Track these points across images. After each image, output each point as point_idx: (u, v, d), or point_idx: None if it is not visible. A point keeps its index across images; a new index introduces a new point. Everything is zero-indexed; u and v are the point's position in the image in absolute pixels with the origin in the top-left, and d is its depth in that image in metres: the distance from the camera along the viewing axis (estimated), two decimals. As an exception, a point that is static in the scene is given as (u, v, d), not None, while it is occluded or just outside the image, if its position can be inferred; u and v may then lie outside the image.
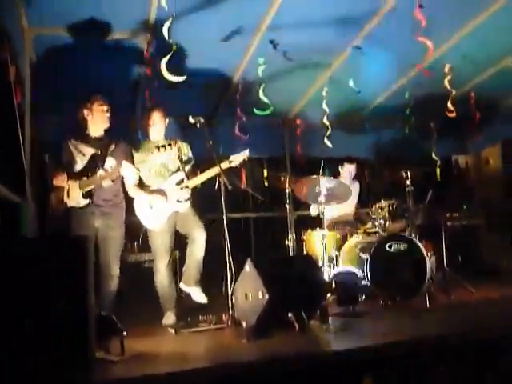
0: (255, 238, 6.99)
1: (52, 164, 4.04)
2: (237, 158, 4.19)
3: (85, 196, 3.85)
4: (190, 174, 4.24)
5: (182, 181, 4.19)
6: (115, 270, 3.93)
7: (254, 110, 4.94)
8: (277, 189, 4.96)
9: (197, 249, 4.15)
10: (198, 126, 3.98)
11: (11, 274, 2.40)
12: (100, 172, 3.89)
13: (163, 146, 3.97)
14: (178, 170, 4.25)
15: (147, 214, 4.17)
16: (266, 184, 5.05)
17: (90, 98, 3.97)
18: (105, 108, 3.98)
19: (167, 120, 4.34)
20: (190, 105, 4.69)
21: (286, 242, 4.52)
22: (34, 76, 4.08)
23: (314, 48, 4.63)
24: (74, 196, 3.85)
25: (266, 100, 4.82)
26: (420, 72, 5.06)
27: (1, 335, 2.34)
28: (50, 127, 4.90)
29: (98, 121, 3.98)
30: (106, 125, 4.02)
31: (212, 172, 4.06)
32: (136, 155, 4.20)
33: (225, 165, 4.12)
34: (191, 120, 4.00)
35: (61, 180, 3.85)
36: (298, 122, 6.42)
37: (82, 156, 3.96)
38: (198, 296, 4.15)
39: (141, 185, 4.23)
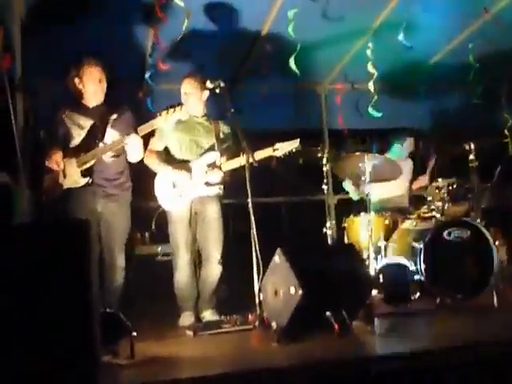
0: (287, 225, 7.01)
1: (47, 141, 4.04)
2: (284, 147, 4.02)
3: (84, 174, 3.84)
4: (225, 155, 4.23)
5: (215, 162, 4.17)
6: (120, 260, 3.99)
7: (291, 65, 4.89)
8: (313, 168, 4.93)
9: (213, 269, 4.23)
10: (218, 91, 3.98)
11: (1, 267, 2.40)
12: (100, 145, 3.87)
13: (172, 107, 3.66)
14: (212, 148, 4.24)
15: (168, 194, 4.20)
16: (301, 162, 5.01)
17: (78, 63, 3.91)
18: (98, 73, 3.94)
19: (206, 92, 4.28)
20: (208, 68, 4.70)
21: (324, 230, 4.52)
22: (25, 37, 4.11)
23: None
24: (71, 175, 3.85)
25: (295, 68, 4.80)
26: (487, 22, 4.95)
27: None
28: (47, 99, 4.96)
29: (91, 89, 3.96)
30: (102, 92, 3.99)
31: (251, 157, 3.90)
32: (163, 127, 3.98)
33: (267, 152, 4.05)
34: (209, 85, 3.99)
35: (55, 160, 3.84)
36: (339, 87, 6.38)
37: (80, 129, 3.95)
38: (212, 317, 4.20)
39: (167, 158, 4.26)
